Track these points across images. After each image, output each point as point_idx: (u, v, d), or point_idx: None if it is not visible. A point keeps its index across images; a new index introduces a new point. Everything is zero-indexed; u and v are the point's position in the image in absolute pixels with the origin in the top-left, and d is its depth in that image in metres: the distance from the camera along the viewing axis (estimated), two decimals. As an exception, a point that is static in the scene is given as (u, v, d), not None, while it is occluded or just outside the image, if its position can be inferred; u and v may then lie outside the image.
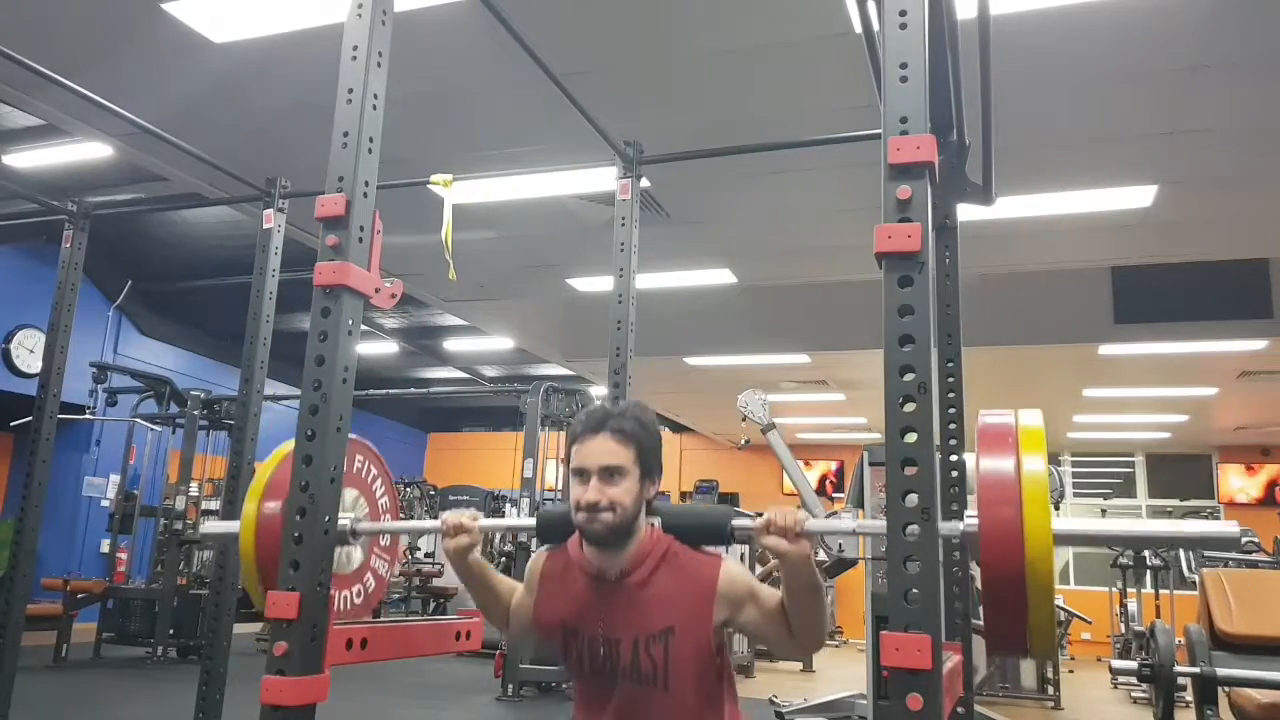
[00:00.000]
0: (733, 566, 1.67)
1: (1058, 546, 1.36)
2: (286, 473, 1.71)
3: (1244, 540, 1.32)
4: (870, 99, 2.41)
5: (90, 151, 5.39)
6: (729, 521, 1.66)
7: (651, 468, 1.68)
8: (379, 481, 2.07)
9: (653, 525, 1.70)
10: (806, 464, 12.76)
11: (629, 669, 1.63)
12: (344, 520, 1.72)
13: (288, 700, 1.49)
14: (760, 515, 1.53)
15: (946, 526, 1.39)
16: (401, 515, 10.27)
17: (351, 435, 1.74)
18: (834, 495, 12.72)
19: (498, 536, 8.17)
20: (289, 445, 1.77)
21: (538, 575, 1.78)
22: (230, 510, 3.50)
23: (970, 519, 1.41)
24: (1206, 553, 7.41)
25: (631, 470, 1.64)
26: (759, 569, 9.03)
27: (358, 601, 1.98)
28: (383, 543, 2.07)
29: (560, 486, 7.96)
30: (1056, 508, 7.51)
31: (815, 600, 1.57)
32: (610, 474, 1.62)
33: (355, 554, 1.96)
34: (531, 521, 1.82)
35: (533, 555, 1.84)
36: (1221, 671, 3.19)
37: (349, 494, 1.88)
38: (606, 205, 4.10)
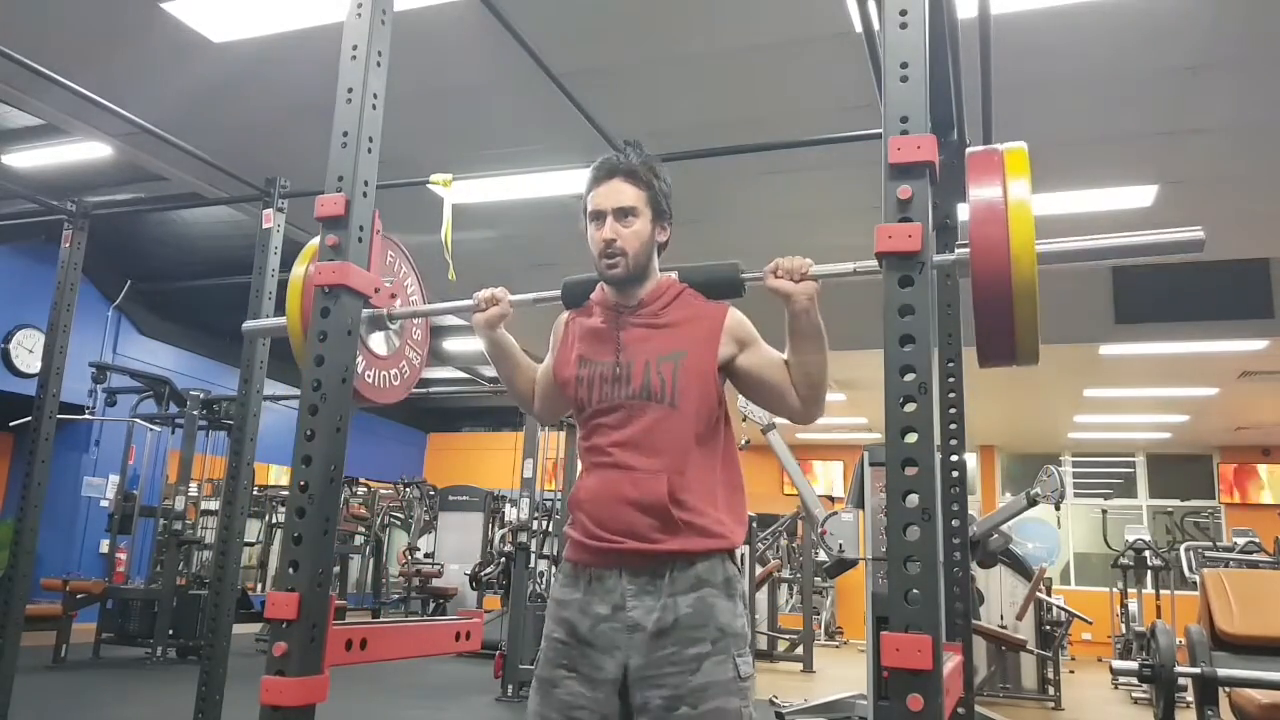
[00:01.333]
0: (739, 313, 1.76)
1: (1041, 265, 1.48)
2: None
3: (1201, 240, 1.34)
4: (870, 99, 2.41)
5: (90, 151, 5.39)
6: (739, 272, 1.78)
7: (663, 210, 1.79)
8: (410, 277, 2.22)
9: (670, 275, 1.81)
10: (807, 468, 12.76)
11: (640, 387, 1.69)
12: (381, 308, 1.91)
13: (287, 701, 1.49)
14: None
15: (938, 258, 1.51)
16: (400, 515, 10.09)
17: (381, 232, 1.94)
18: (833, 495, 12.73)
19: (498, 537, 8.20)
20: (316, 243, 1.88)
21: (561, 329, 1.88)
22: (230, 510, 3.51)
23: (961, 247, 1.52)
24: (1208, 554, 7.42)
25: (644, 211, 1.75)
26: (759, 569, 9.04)
27: (395, 383, 2.17)
28: (415, 335, 2.23)
29: (560, 487, 7.96)
30: (1057, 508, 7.51)
31: (818, 349, 1.64)
32: (624, 214, 1.73)
33: (393, 340, 2.13)
34: (556, 292, 1.92)
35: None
36: (1222, 672, 3.19)
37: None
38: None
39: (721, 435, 1.75)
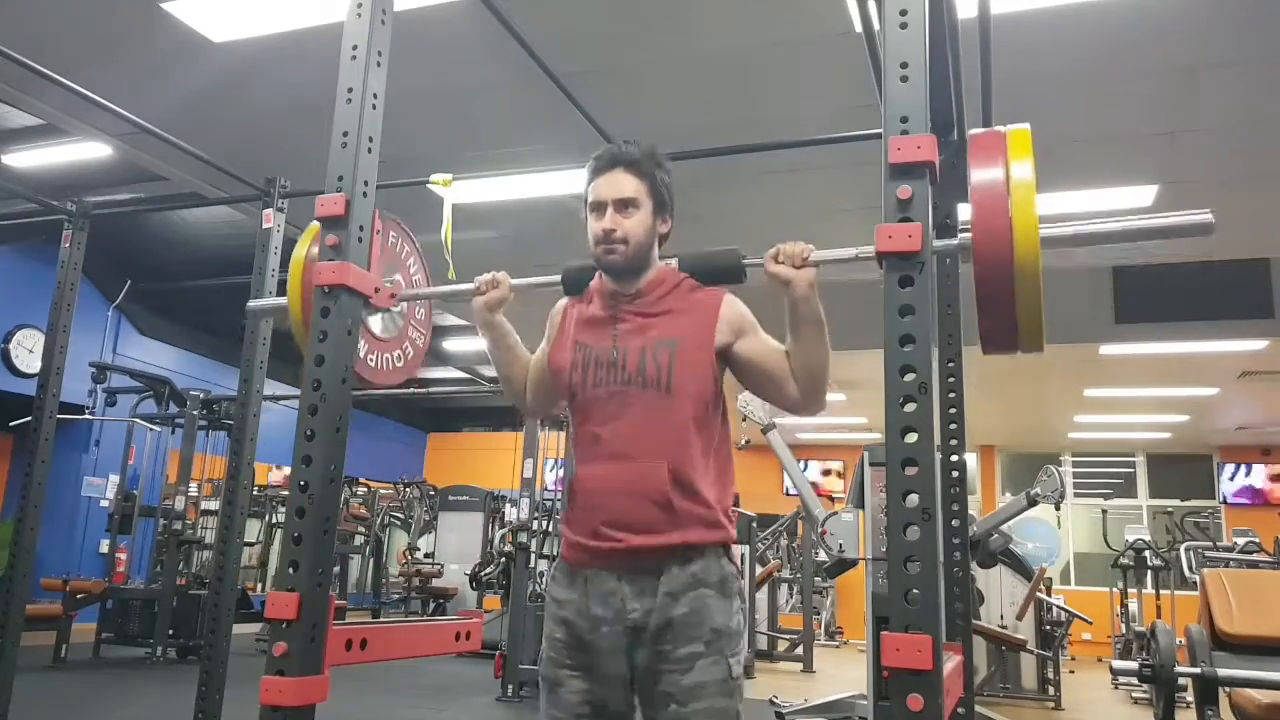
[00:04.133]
0: (738, 301, 1.76)
1: (1044, 249, 1.44)
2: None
3: (1210, 223, 1.33)
4: (870, 99, 2.41)
5: (90, 151, 5.39)
6: (739, 258, 1.77)
7: (663, 201, 1.78)
8: (411, 258, 2.21)
9: (669, 263, 1.80)
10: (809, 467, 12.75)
11: (636, 373, 1.67)
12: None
13: (287, 701, 1.49)
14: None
15: (940, 244, 1.51)
16: (400, 515, 10.07)
17: (383, 213, 1.94)
18: (833, 495, 12.72)
19: (498, 537, 8.20)
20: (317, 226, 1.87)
21: (558, 316, 1.87)
22: (230, 510, 3.50)
23: (964, 231, 1.50)
24: (1208, 554, 7.42)
25: (645, 202, 1.74)
26: (759, 570, 9.04)
27: (398, 365, 2.14)
28: (418, 315, 2.22)
29: (560, 486, 7.96)
30: (1057, 508, 7.50)
31: (819, 338, 1.62)
32: (624, 206, 1.72)
33: (395, 322, 2.13)
34: (556, 277, 1.91)
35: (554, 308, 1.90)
36: (1222, 672, 3.19)
37: (385, 268, 2.05)
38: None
39: (718, 424, 1.73)
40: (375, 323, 2.06)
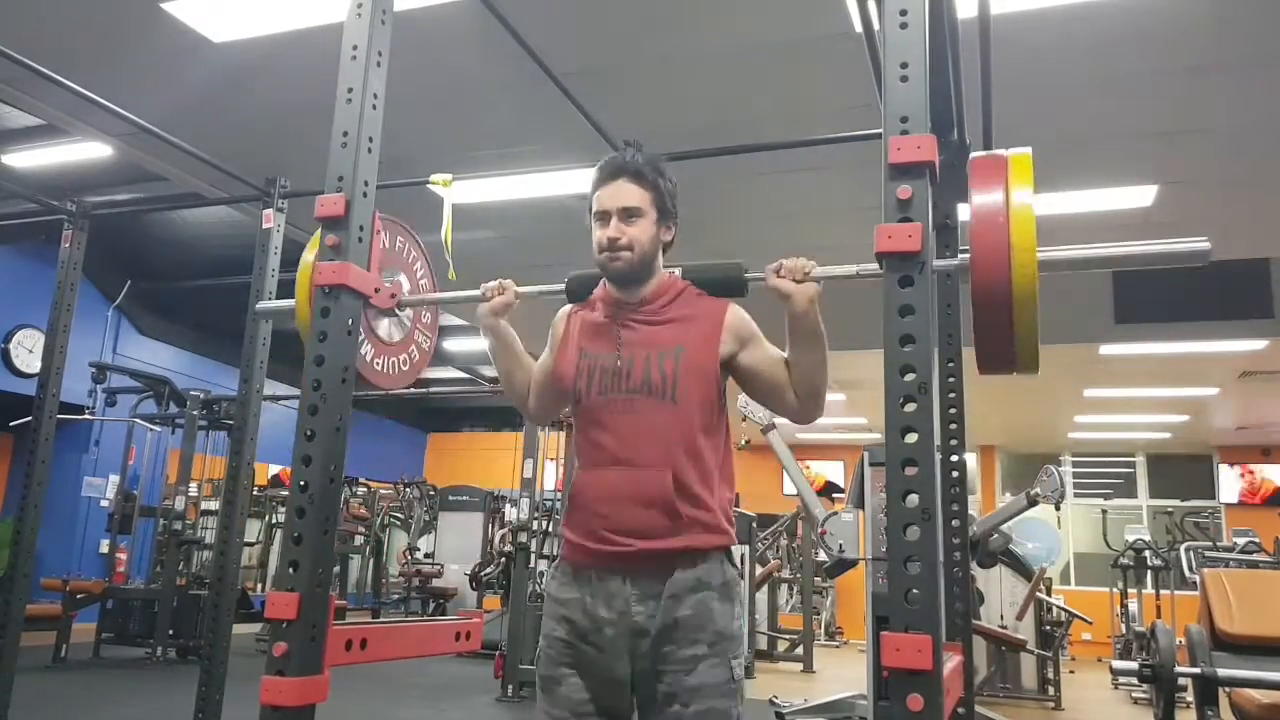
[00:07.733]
0: (741, 310, 1.77)
1: (1041, 272, 1.46)
2: None
3: (1207, 250, 1.34)
4: (870, 99, 2.41)
5: (90, 151, 5.39)
6: (742, 271, 1.79)
7: (667, 210, 1.79)
8: (418, 262, 2.23)
9: (673, 272, 1.82)
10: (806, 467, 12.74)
11: (641, 381, 1.69)
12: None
13: (287, 701, 1.49)
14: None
15: (940, 263, 1.52)
16: (400, 515, 10.07)
17: (386, 217, 2.00)
18: (834, 495, 12.73)
19: (498, 537, 8.22)
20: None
21: (561, 323, 1.87)
22: (230, 510, 3.50)
23: (963, 252, 1.53)
24: (1208, 554, 7.42)
25: (649, 211, 1.75)
26: (759, 570, 9.03)
27: (404, 368, 2.17)
28: (424, 319, 2.25)
29: (561, 487, 7.96)
30: (1057, 508, 7.51)
31: (818, 350, 1.65)
32: (628, 214, 1.73)
33: (402, 326, 2.16)
34: (561, 285, 1.93)
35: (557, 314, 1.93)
36: (1222, 672, 3.19)
37: (389, 271, 2.11)
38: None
39: (720, 429, 1.76)
40: (382, 327, 2.08)
